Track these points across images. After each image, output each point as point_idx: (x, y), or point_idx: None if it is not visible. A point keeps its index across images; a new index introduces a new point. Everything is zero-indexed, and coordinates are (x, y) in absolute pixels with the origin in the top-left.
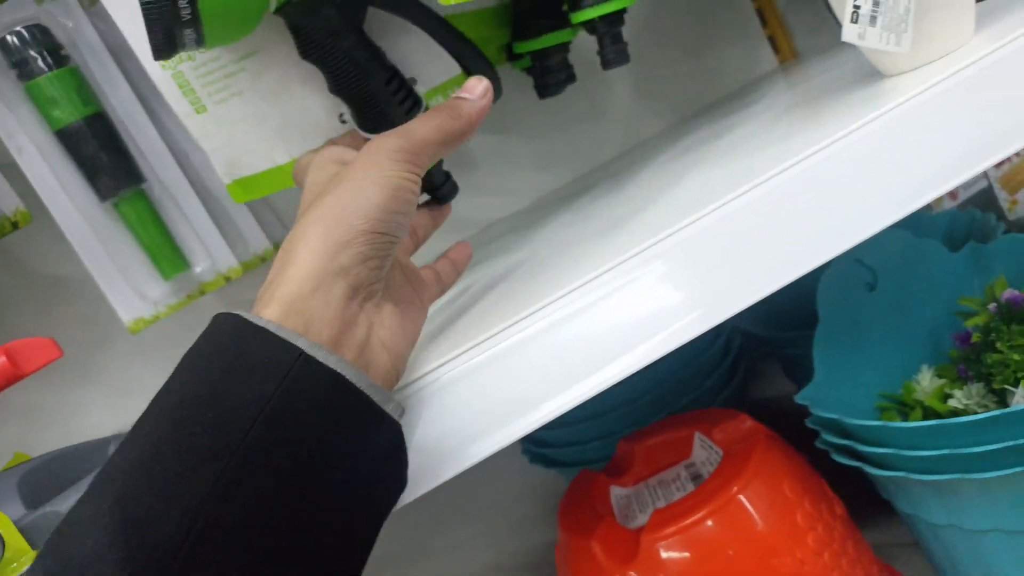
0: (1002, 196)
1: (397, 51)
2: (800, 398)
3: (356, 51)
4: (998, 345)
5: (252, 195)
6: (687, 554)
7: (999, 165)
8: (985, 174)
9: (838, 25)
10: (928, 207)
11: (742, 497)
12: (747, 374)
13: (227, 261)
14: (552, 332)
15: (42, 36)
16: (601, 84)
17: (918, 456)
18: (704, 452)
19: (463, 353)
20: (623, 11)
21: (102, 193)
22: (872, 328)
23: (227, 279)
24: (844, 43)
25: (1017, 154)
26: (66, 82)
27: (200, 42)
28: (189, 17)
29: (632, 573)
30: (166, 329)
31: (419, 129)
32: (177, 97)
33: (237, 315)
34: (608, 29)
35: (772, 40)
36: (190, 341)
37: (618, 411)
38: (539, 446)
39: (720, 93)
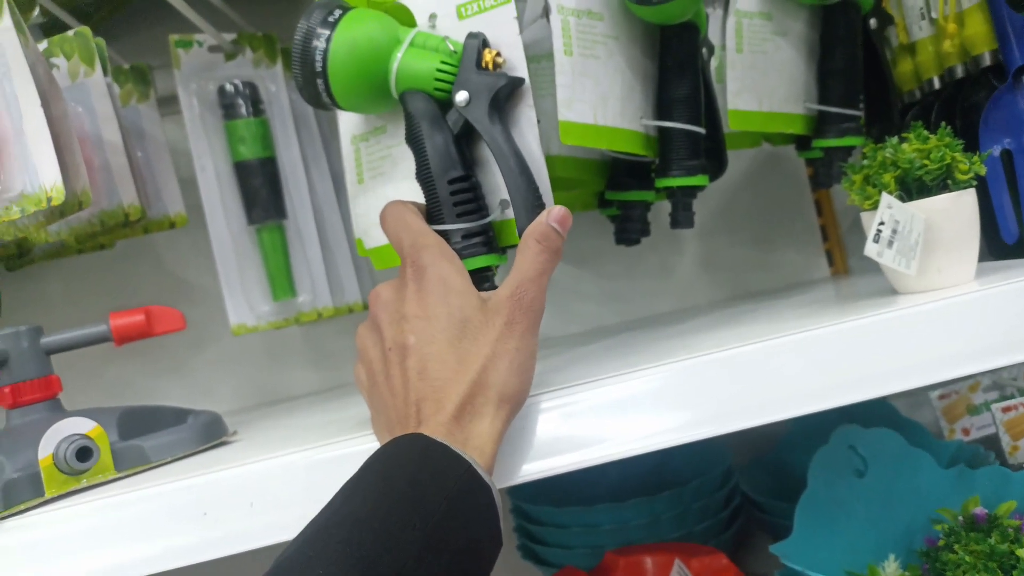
0: (1005, 440)
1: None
2: (775, 548)
3: (439, 147)
4: (956, 547)
5: (381, 264)
6: None
7: (1006, 411)
8: (993, 418)
9: None
10: (941, 435)
11: None
12: (740, 534)
13: (324, 301)
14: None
15: (250, 91)
16: (672, 248)
17: None
18: None
19: None
20: (698, 187)
21: (251, 218)
22: (853, 509)
23: (319, 315)
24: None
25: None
26: (256, 129)
27: (331, 99)
28: (320, 70)
29: None
30: (252, 347)
31: (545, 281)
32: (351, 165)
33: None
34: (682, 198)
35: (829, 254)
36: (267, 361)
37: (612, 528)
38: (533, 541)
39: (773, 284)
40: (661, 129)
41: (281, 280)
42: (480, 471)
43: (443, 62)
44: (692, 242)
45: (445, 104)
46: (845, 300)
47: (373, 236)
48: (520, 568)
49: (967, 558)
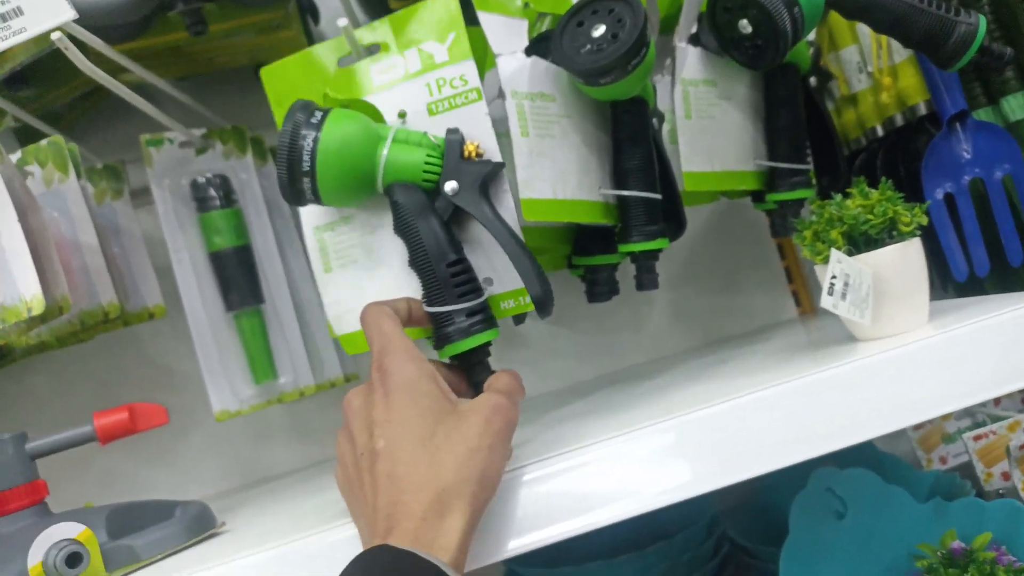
0: (979, 468)
1: (485, 255)
2: None
3: (432, 234)
4: None
5: (353, 349)
6: None
7: (978, 439)
8: (965, 447)
9: None
10: (919, 465)
11: None
12: None
13: (306, 380)
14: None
15: (222, 183)
16: (643, 301)
17: None
18: None
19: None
20: (658, 250)
21: (229, 305)
22: (836, 552)
23: (301, 394)
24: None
25: (994, 431)
26: (230, 219)
27: (316, 196)
28: (308, 170)
29: None
30: (236, 429)
31: (516, 401)
32: (316, 256)
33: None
34: (644, 261)
35: (795, 294)
36: (251, 441)
37: None
38: None
39: (743, 329)
40: (620, 197)
41: (262, 363)
42: (448, 571)
43: (429, 155)
44: (662, 294)
45: (431, 193)
46: (814, 347)
47: (345, 322)
48: None
49: None
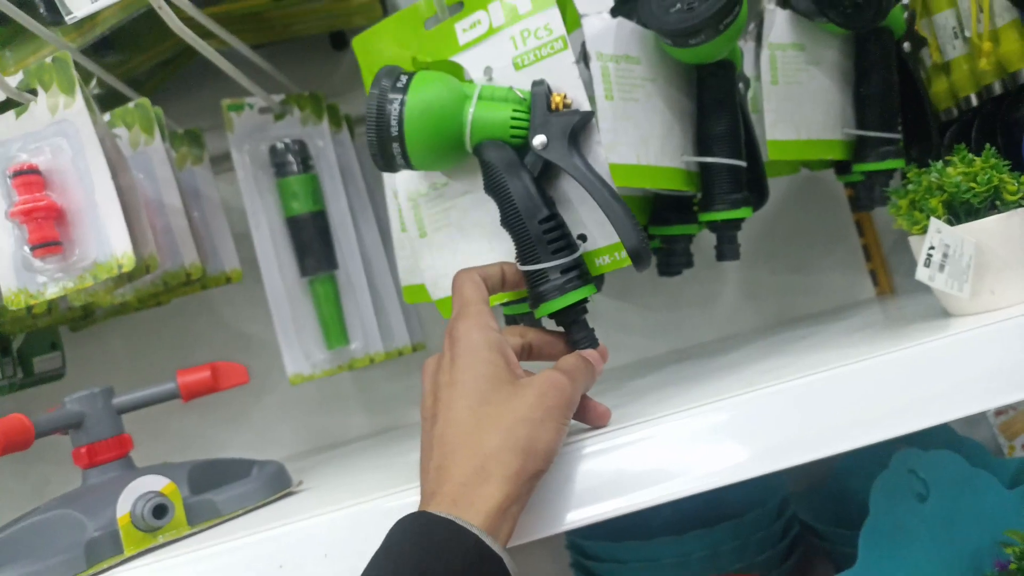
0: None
1: (577, 212)
2: None
3: (523, 191)
4: None
5: (449, 314)
6: None
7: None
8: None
9: None
10: (1000, 453)
11: None
12: (800, 564)
13: (376, 346)
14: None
15: (300, 149)
16: (714, 277)
17: None
18: None
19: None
20: (741, 220)
21: (305, 270)
22: (917, 535)
23: (371, 360)
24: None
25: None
26: (307, 184)
27: (407, 161)
28: (396, 134)
29: None
30: (308, 394)
31: (579, 383)
32: (411, 220)
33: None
34: (726, 231)
35: (873, 274)
36: (323, 407)
37: (672, 562)
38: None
39: (819, 308)
40: (703, 164)
41: (335, 329)
42: (488, 541)
43: (515, 110)
44: (734, 270)
45: (521, 149)
46: (895, 324)
47: (442, 287)
48: None
49: None
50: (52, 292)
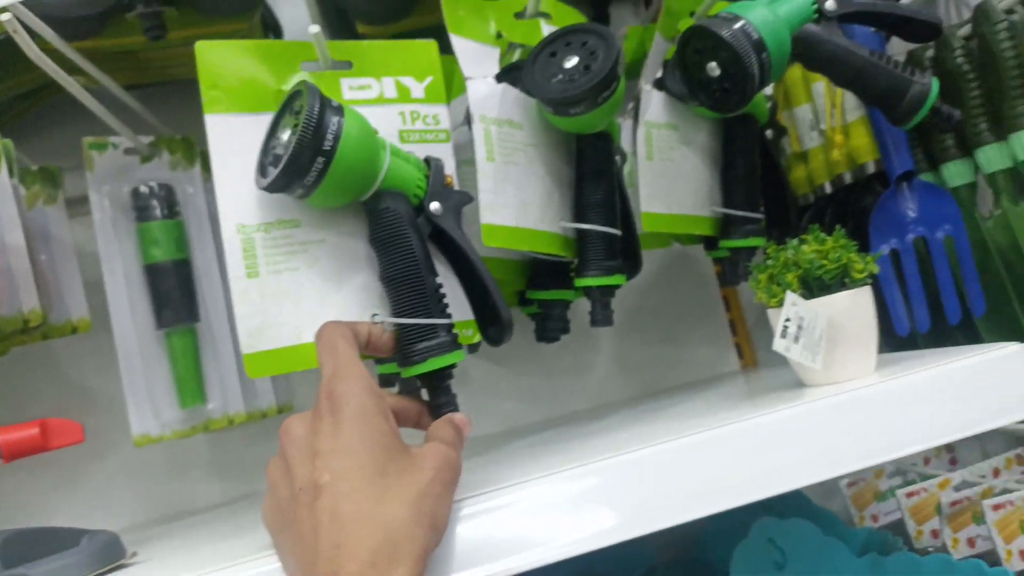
0: (911, 525)
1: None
2: None
3: (422, 245)
4: None
5: (256, 372)
6: None
7: (910, 496)
8: (898, 504)
9: None
10: (852, 522)
11: None
12: None
13: (236, 406)
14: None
15: (166, 193)
16: (588, 347)
17: None
18: None
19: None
20: (615, 286)
21: (161, 322)
22: None
23: (231, 421)
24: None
25: (925, 488)
26: (171, 231)
27: (313, 187)
28: (328, 148)
29: None
30: (155, 457)
31: (460, 454)
32: (237, 258)
33: None
34: (600, 296)
35: (738, 347)
36: (171, 471)
37: None
38: None
39: (687, 379)
40: (579, 231)
41: (191, 386)
42: None
43: (419, 173)
44: (608, 340)
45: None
46: (756, 394)
47: (265, 338)
48: None
49: None
50: None
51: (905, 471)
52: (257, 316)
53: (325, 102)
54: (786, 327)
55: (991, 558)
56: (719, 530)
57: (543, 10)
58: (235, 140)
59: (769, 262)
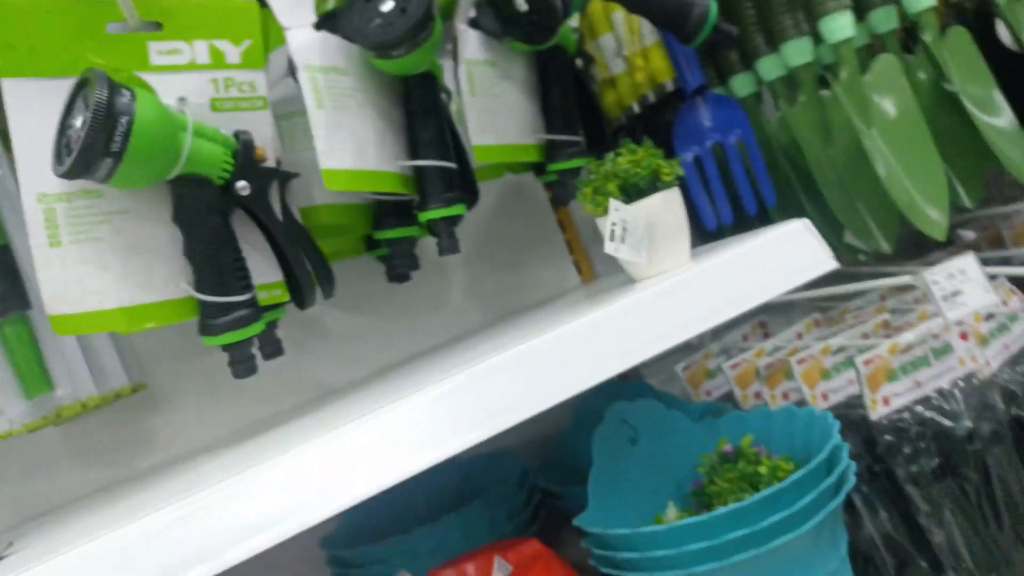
0: (738, 392)
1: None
2: (577, 520)
3: (221, 227)
4: (715, 479)
5: (74, 330)
6: None
7: (734, 367)
8: (726, 377)
9: None
10: (690, 400)
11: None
12: (544, 526)
13: (88, 390)
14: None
15: None
16: (440, 282)
17: (653, 556)
18: (502, 572)
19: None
20: (457, 216)
21: None
22: (633, 474)
23: (84, 407)
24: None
25: (746, 359)
26: None
27: (108, 177)
28: (117, 150)
29: None
30: (8, 458)
31: None
32: (39, 228)
33: None
34: (444, 227)
35: (576, 264)
36: (27, 470)
37: (431, 549)
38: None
39: (534, 299)
40: (417, 169)
41: (33, 375)
42: None
43: (225, 152)
44: (457, 272)
45: (218, 188)
46: (592, 297)
47: (67, 301)
48: None
49: (725, 485)
50: None
51: (728, 349)
52: (59, 283)
53: (113, 93)
54: (613, 230)
55: (802, 406)
56: (579, 428)
57: None
58: (36, 106)
59: (592, 177)
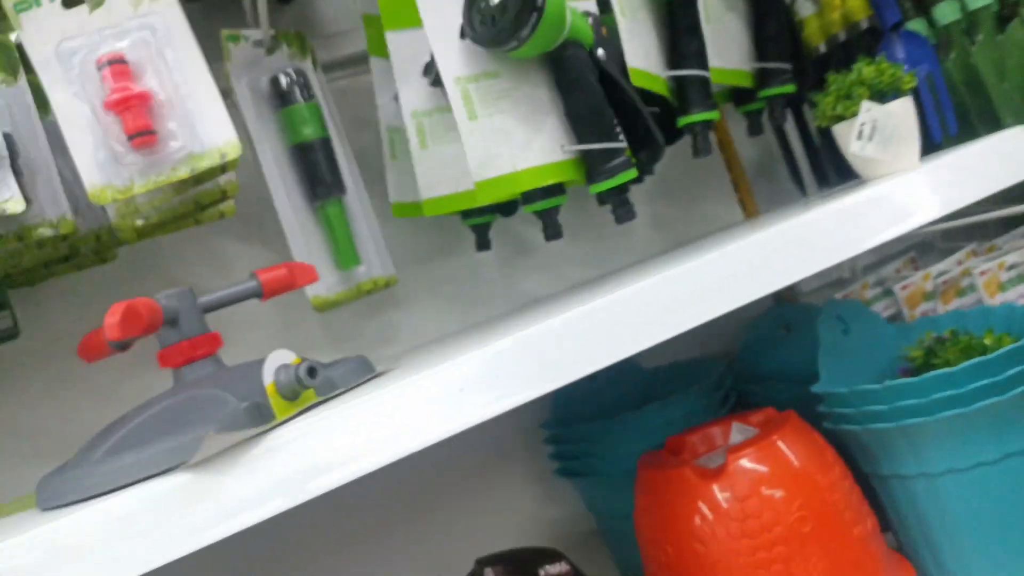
0: (906, 312)
1: None
2: (816, 387)
3: (598, 86)
4: (939, 354)
5: (493, 194)
6: (762, 467)
7: (904, 287)
8: (895, 299)
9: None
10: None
11: (793, 435)
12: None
13: (375, 271)
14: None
15: (303, 78)
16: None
17: (895, 407)
18: (741, 435)
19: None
20: (711, 120)
21: (316, 195)
22: (846, 355)
23: (375, 284)
24: (790, 203)
25: (912, 282)
26: (313, 111)
27: (527, 35)
28: (534, 22)
29: (715, 486)
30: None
31: None
32: (459, 104)
33: None
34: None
35: (741, 201)
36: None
37: (660, 425)
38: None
39: (707, 230)
40: (679, 80)
41: (348, 249)
42: None
43: (586, 23)
44: (643, 206)
45: None
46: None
47: (489, 167)
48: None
49: (951, 356)
50: (140, 186)
51: (883, 280)
52: (480, 149)
53: None
54: (862, 129)
55: None
56: (752, 343)
57: None
58: (443, 8)
59: (832, 87)
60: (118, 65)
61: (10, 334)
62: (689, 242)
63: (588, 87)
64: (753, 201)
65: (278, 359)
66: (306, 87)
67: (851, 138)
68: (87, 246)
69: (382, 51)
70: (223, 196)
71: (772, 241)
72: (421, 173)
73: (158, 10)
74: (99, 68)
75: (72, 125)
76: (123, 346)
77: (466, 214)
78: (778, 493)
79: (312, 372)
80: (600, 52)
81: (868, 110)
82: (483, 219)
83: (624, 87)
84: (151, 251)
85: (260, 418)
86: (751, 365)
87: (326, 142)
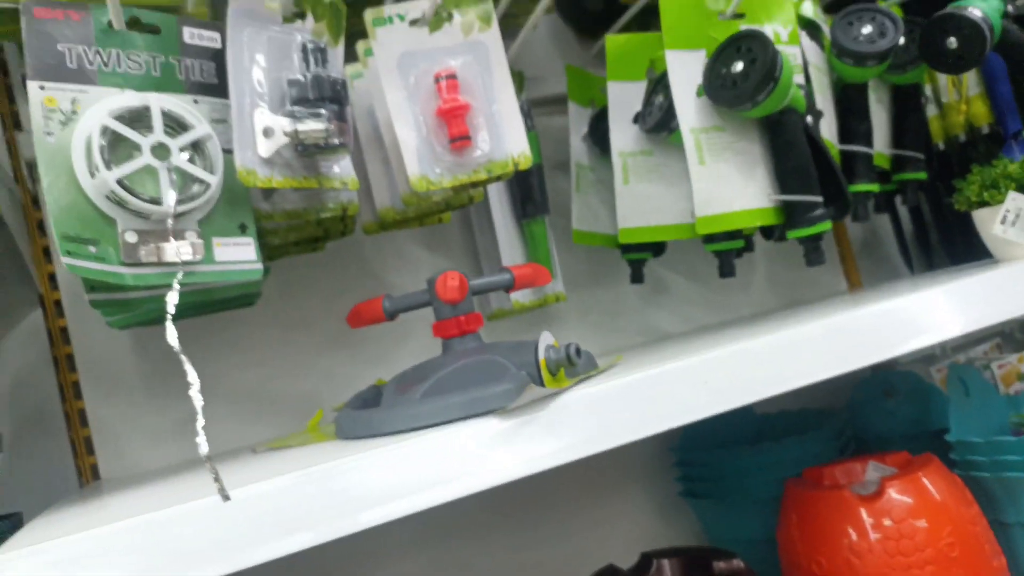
0: (1001, 388)
1: None
2: (950, 437)
3: (808, 147)
4: None
5: (711, 227)
6: (914, 496)
7: (1000, 367)
8: (992, 376)
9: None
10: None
11: (936, 473)
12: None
13: (557, 288)
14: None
15: (526, 109)
16: (748, 270)
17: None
18: (877, 472)
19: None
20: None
21: (526, 213)
22: (968, 412)
23: (556, 298)
24: (892, 280)
25: (1009, 362)
26: (533, 140)
27: (759, 100)
28: (770, 89)
29: (873, 508)
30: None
31: None
32: (692, 150)
33: None
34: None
35: (846, 273)
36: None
37: (792, 459)
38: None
39: (816, 296)
40: (847, 154)
41: (547, 264)
42: None
43: (801, 93)
44: (760, 264)
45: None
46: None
47: (711, 206)
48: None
49: None
50: (447, 181)
51: (973, 360)
52: (705, 191)
53: (774, 46)
54: (1006, 216)
55: None
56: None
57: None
58: (687, 70)
59: (974, 179)
60: (451, 80)
61: (248, 301)
62: (797, 304)
63: (800, 147)
64: (857, 273)
65: (546, 339)
66: (529, 117)
67: (994, 222)
68: (335, 229)
69: (580, 98)
70: (515, 166)
71: (894, 312)
72: (620, 205)
73: (483, 39)
74: (436, 80)
75: (402, 122)
76: (392, 316)
77: (627, 249)
78: (929, 519)
79: (579, 352)
80: (809, 119)
81: (1014, 199)
82: (641, 255)
83: (824, 150)
84: (353, 247)
85: (541, 384)
86: (860, 421)
87: (540, 168)
